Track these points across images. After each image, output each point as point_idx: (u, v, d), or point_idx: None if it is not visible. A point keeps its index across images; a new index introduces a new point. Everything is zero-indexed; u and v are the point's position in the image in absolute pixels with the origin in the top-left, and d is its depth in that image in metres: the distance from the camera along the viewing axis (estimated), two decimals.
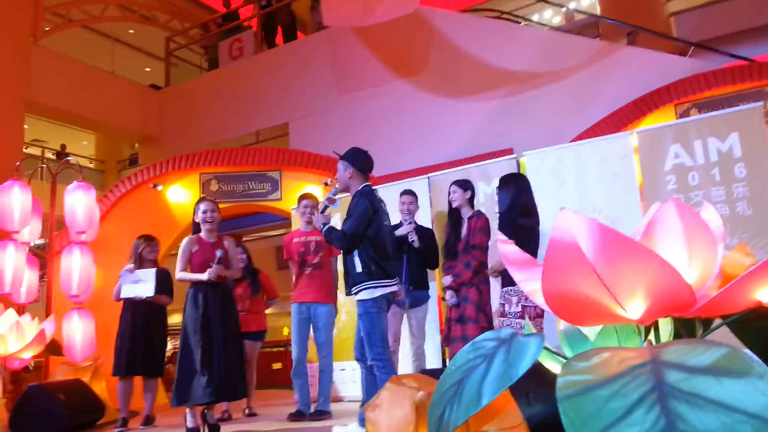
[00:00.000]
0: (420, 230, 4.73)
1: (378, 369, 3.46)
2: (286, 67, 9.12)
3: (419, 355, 4.61)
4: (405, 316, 4.67)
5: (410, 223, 4.64)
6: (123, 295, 4.96)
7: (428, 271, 4.83)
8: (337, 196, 3.71)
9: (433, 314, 5.33)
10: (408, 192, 4.84)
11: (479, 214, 4.32)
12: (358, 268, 3.47)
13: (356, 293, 3.52)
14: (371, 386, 3.61)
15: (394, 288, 3.58)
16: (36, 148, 13.85)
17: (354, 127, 8.14)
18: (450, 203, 4.45)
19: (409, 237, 4.55)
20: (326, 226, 3.59)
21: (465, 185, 4.44)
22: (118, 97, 10.25)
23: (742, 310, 1.58)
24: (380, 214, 3.59)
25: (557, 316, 1.68)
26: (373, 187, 3.76)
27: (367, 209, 3.49)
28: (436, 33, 7.68)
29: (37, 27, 9.66)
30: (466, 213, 4.38)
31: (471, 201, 4.44)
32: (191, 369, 3.95)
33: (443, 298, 4.44)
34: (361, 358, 3.67)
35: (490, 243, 4.23)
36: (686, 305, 1.47)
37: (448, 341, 4.22)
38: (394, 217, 4.82)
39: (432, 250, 4.68)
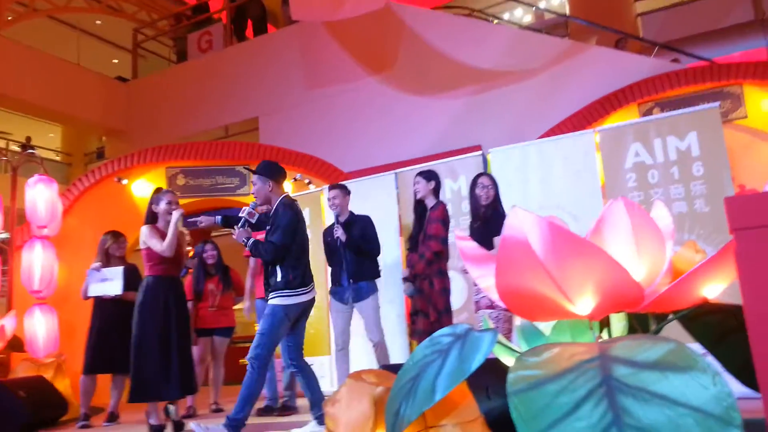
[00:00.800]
0: (350, 220, 4.61)
1: (251, 367, 3.45)
2: (257, 60, 9.04)
3: (379, 351, 4.48)
4: (354, 312, 4.58)
5: (338, 223, 4.55)
6: (90, 294, 4.89)
7: (378, 261, 4.66)
8: (256, 210, 3.71)
9: (401, 308, 5.36)
10: (334, 186, 4.74)
11: (436, 205, 4.24)
12: (279, 277, 3.50)
13: (272, 299, 3.54)
14: (311, 385, 3.66)
15: (310, 296, 3.62)
16: (1, 141, 13.52)
17: (324, 123, 8.11)
18: (414, 194, 4.41)
19: (335, 233, 4.50)
20: (250, 240, 3.58)
21: (428, 176, 4.37)
22: (83, 89, 10.04)
23: (689, 306, 1.63)
24: (302, 223, 3.65)
25: (511, 312, 1.71)
26: (293, 196, 3.79)
27: (293, 219, 3.53)
28: (406, 29, 7.68)
29: (0, 16, 9.42)
30: (430, 204, 4.31)
31: (436, 192, 4.36)
32: (151, 364, 3.91)
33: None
34: (290, 364, 3.70)
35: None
36: (635, 301, 1.51)
37: (413, 334, 4.24)
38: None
39: (363, 236, 4.53)
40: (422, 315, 4.08)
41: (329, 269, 4.77)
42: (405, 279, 4.32)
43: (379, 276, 4.63)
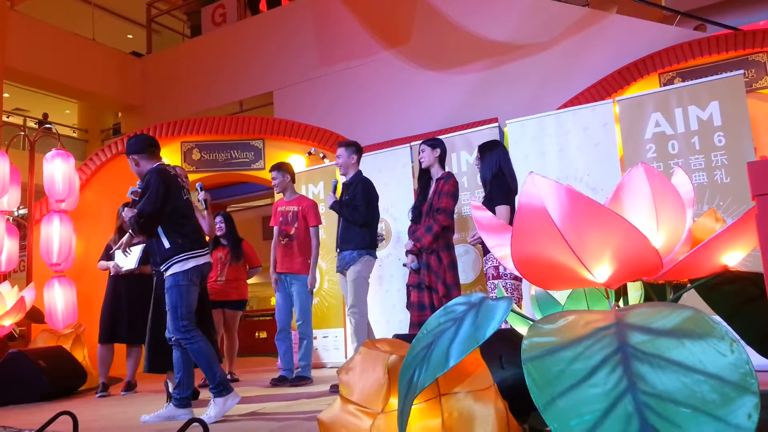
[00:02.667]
0: (350, 181, 4.48)
1: (186, 342, 3.30)
2: (271, 34, 8.98)
3: (350, 321, 4.32)
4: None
5: (333, 190, 4.47)
6: (103, 267, 4.97)
7: (375, 231, 4.49)
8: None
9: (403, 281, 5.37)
10: (340, 144, 4.60)
11: (448, 177, 4.10)
12: (166, 245, 3.34)
13: (166, 269, 3.36)
14: (182, 364, 3.43)
15: (206, 259, 3.47)
16: (18, 117, 13.63)
17: (338, 97, 8.07)
18: (420, 164, 4.28)
19: (328, 198, 4.44)
20: (132, 219, 3.40)
21: (433, 143, 4.22)
22: (98, 65, 10.06)
23: (709, 274, 1.60)
24: (175, 189, 3.45)
25: (527, 281, 1.69)
26: (164, 165, 3.54)
27: (157, 186, 3.33)
28: (421, 0, 7.57)
29: None
30: (435, 173, 4.19)
31: (441, 160, 4.22)
32: (163, 335, 3.94)
33: (403, 264, 4.27)
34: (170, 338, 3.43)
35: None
36: (653, 269, 1.48)
37: (409, 307, 4.12)
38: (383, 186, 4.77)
39: (350, 202, 4.36)
40: (431, 290, 3.97)
41: None
42: (409, 252, 4.12)
43: (369, 246, 4.39)
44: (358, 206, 4.32)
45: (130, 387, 4.99)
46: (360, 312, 4.30)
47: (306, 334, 4.79)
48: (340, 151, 4.51)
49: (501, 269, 3.69)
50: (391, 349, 1.98)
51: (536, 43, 6.74)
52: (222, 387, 3.27)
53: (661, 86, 5.60)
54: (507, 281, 3.66)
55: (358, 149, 4.56)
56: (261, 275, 6.21)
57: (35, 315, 5.74)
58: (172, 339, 3.37)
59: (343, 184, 4.52)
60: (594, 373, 1.20)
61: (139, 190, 3.48)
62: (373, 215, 4.43)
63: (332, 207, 4.40)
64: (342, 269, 4.39)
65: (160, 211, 3.33)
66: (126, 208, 3.54)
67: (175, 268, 3.33)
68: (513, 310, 1.64)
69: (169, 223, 3.37)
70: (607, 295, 1.67)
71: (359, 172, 4.53)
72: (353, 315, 4.30)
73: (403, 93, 7.56)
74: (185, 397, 3.39)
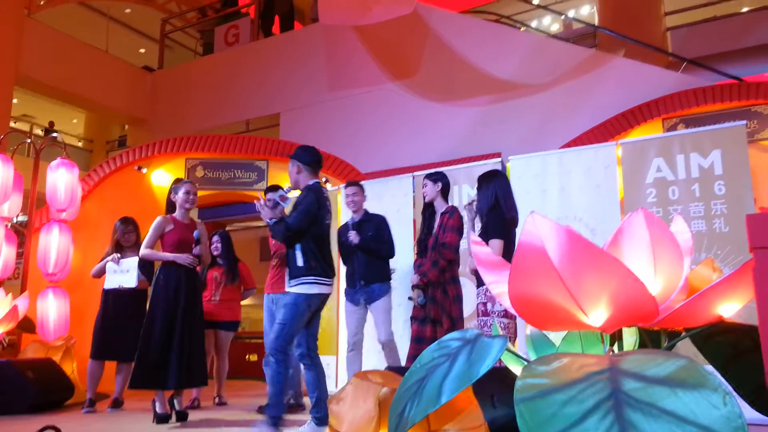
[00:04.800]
0: (365, 219, 4.62)
1: (275, 362, 3.37)
2: (281, 57, 9.08)
3: (388, 352, 4.45)
4: (368, 313, 4.57)
5: (351, 226, 4.58)
6: (107, 286, 4.91)
7: (390, 263, 4.63)
8: (289, 194, 3.67)
9: (408, 313, 5.33)
10: (353, 183, 4.75)
11: (452, 211, 4.15)
12: (299, 262, 3.45)
13: (293, 286, 3.47)
14: (320, 382, 3.51)
15: (330, 290, 3.56)
16: (24, 124, 13.72)
17: (344, 123, 8.13)
18: (423, 197, 4.34)
19: (348, 236, 4.50)
20: (272, 221, 3.53)
21: (435, 177, 4.29)
22: (110, 77, 10.16)
23: (704, 324, 1.60)
24: (324, 211, 3.58)
25: (523, 320, 1.69)
26: (321, 185, 3.70)
27: (312, 205, 3.47)
28: (431, 33, 7.68)
29: (32, 0, 9.56)
30: (440, 207, 4.24)
31: (444, 194, 4.28)
32: (152, 353, 3.93)
33: (409, 298, 4.28)
34: (303, 355, 3.56)
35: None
36: (649, 316, 1.48)
37: (418, 342, 4.08)
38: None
39: (376, 237, 4.50)
40: (436, 324, 3.99)
41: (343, 268, 4.74)
42: (415, 286, 4.17)
43: (390, 278, 4.59)
44: (386, 241, 4.53)
45: (117, 404, 4.94)
46: (392, 340, 4.50)
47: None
48: (356, 189, 4.68)
49: (489, 306, 3.64)
50: (383, 381, 1.97)
51: (542, 81, 6.82)
52: (273, 421, 3.32)
53: (664, 131, 5.65)
54: (497, 319, 3.61)
55: (364, 189, 4.79)
56: (253, 297, 6.17)
57: (27, 325, 5.69)
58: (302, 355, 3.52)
59: (358, 221, 4.64)
60: (586, 417, 1.19)
61: (286, 195, 3.61)
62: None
63: (360, 244, 4.46)
64: (369, 301, 4.49)
65: (307, 229, 3.46)
66: (267, 208, 3.57)
67: (301, 289, 3.44)
68: (507, 349, 1.63)
69: (308, 243, 3.48)
70: (602, 340, 1.67)
71: (367, 210, 4.71)
72: (391, 344, 4.45)
73: (408, 123, 7.62)
74: (323, 416, 3.37)
